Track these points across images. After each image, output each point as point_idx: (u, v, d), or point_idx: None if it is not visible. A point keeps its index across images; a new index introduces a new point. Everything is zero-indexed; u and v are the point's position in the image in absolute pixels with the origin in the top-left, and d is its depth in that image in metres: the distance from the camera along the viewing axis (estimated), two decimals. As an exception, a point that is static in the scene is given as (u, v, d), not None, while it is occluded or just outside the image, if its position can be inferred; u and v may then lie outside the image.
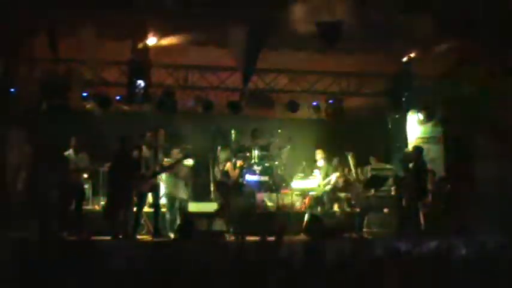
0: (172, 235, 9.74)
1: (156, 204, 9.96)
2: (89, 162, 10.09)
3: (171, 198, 10.39)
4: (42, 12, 8.26)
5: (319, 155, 11.75)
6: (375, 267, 4.87)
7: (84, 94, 10.61)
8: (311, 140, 12.59)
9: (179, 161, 10.53)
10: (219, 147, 11.60)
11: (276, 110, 11.69)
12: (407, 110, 12.10)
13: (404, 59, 10.49)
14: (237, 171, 10.60)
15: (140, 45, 9.17)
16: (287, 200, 11.66)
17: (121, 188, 9.23)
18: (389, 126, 12.92)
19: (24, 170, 9.74)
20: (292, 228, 10.29)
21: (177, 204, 10.33)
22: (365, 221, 10.76)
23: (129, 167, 9.39)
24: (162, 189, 10.54)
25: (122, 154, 9.47)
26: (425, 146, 11.39)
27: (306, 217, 10.49)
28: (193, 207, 10.52)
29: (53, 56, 9.14)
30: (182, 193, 10.46)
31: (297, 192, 11.90)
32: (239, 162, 10.75)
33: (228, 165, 10.78)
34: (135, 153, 9.55)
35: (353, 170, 11.27)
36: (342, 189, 11.80)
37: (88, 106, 10.74)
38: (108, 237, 8.98)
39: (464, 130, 11.40)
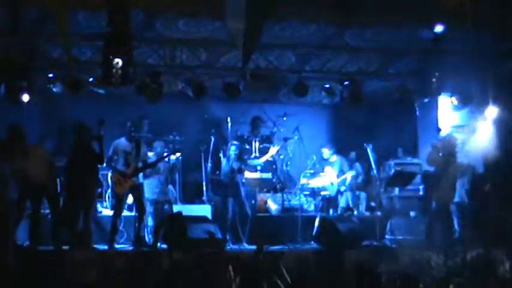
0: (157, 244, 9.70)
1: (137, 208, 9.95)
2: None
3: (154, 200, 10.39)
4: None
5: (326, 152, 11.71)
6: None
7: (51, 75, 10.56)
8: (323, 130, 12.58)
9: (166, 156, 10.54)
10: (213, 139, 11.57)
11: (281, 93, 11.66)
12: (439, 93, 12.06)
13: (436, 32, 10.41)
14: None
15: (118, 16, 9.11)
16: (294, 202, 11.63)
17: (79, 187, 9.35)
18: (417, 112, 12.91)
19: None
20: (300, 235, 10.34)
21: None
22: (388, 227, 10.77)
23: (88, 161, 9.49)
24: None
25: (78, 146, 9.55)
26: (460, 137, 11.36)
27: (317, 222, 10.48)
28: (182, 210, 10.45)
29: (13, 28, 9.06)
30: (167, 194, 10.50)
31: (306, 192, 11.90)
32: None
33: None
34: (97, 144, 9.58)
35: (373, 165, 11.25)
36: (360, 189, 11.84)
37: (55, 89, 10.69)
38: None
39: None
